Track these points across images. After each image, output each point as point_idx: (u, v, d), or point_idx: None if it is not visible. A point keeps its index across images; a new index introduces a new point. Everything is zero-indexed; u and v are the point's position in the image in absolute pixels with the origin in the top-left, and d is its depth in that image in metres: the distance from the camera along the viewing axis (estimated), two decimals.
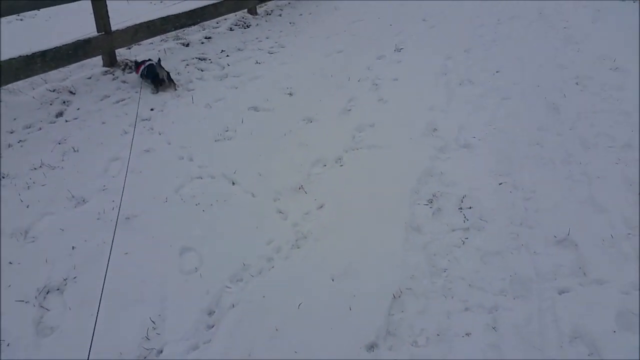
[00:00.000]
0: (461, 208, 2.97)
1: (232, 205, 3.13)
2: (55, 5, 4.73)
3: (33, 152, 3.75)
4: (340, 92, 4.74)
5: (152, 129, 4.16)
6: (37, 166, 3.57)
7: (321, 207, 3.07)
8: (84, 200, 3.22)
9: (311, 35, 6.53)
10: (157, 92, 4.81)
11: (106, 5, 5.00)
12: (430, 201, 3.05)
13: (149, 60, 4.93)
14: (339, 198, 3.13)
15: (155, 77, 4.80)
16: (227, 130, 4.13)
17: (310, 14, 7.59)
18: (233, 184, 3.37)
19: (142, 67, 4.88)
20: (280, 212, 3.04)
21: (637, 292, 2.31)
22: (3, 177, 3.42)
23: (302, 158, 3.62)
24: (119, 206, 3.02)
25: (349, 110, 4.40)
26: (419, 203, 3.03)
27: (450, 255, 2.56)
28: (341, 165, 3.54)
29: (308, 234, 2.82)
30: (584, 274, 2.43)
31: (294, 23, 7.14)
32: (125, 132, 4.09)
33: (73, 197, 3.23)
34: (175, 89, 4.87)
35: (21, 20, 7.45)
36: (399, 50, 5.73)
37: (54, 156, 3.71)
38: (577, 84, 4.57)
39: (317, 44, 6.20)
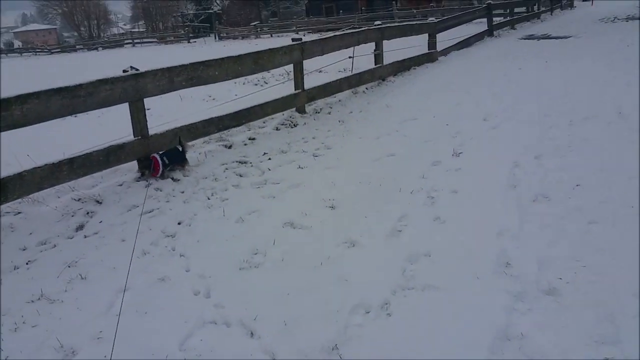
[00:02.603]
0: None
1: None
2: (89, 110, 4.54)
3: (37, 278, 3.32)
4: (390, 206, 4.11)
5: (173, 250, 3.67)
6: (35, 298, 3.10)
7: None
8: (73, 352, 2.66)
9: (360, 136, 6.08)
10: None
11: (144, 109, 4.80)
12: None
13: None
14: None
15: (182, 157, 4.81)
16: (255, 254, 3.56)
17: (360, 111, 7.23)
18: (251, 335, 2.72)
19: (157, 158, 4.66)
20: None
21: None
22: None
23: (340, 300, 2.94)
24: None
25: (400, 231, 3.73)
26: None
27: None
28: (388, 314, 2.81)
29: None
30: None
31: (343, 121, 6.76)
32: (145, 254, 3.62)
33: (62, 346, 2.68)
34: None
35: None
36: (458, 155, 5.11)
37: (57, 284, 3.25)
38: None
39: (366, 145, 5.72)
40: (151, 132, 4.96)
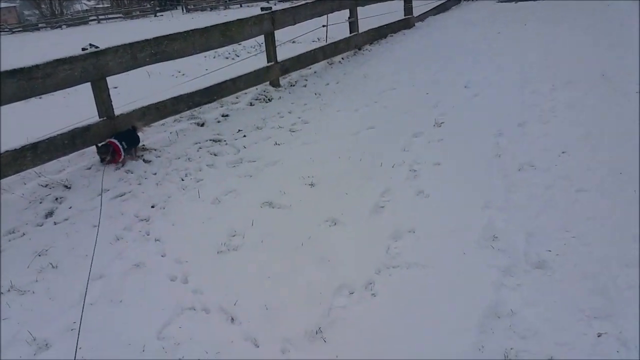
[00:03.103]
0: None
1: None
2: (49, 92, 4.25)
3: (6, 269, 3.15)
4: (371, 182, 3.97)
5: (147, 234, 3.50)
6: (4, 290, 2.96)
7: None
8: (46, 345, 2.51)
9: (338, 108, 5.89)
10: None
11: (107, 88, 4.52)
12: None
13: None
14: (367, 356, 2.28)
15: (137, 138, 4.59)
16: (234, 235, 3.41)
17: (337, 83, 7.01)
18: (232, 321, 2.59)
19: (117, 144, 4.33)
20: None
21: None
22: None
23: (322, 281, 2.82)
24: None
25: (382, 207, 3.60)
26: None
27: None
28: (373, 295, 2.70)
29: None
30: None
31: (319, 94, 6.54)
32: (117, 239, 3.43)
33: (34, 339, 2.53)
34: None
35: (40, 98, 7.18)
36: (440, 125, 4.97)
37: (28, 274, 3.07)
38: None
39: (345, 118, 5.54)
40: (117, 112, 4.70)
